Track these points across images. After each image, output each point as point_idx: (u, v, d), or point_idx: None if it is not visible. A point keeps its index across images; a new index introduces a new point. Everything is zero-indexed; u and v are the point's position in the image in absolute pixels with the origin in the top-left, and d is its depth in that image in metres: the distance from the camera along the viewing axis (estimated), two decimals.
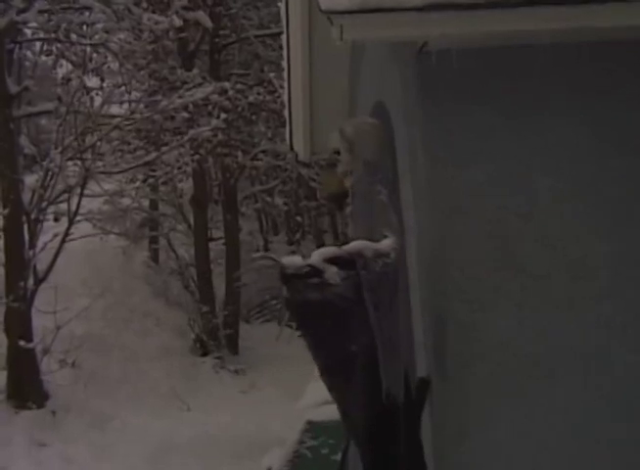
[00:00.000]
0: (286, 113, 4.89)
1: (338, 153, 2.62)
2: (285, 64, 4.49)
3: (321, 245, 14.20)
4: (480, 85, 2.76)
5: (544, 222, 2.73)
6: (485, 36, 2.58)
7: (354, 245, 2.29)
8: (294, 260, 2.28)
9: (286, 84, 4.57)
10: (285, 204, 14.36)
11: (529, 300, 2.67)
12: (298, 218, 14.98)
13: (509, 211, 2.73)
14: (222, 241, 13.12)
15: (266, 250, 15.89)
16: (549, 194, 2.72)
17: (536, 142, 2.73)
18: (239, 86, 11.01)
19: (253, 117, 11.34)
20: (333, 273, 2.21)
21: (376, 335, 2.18)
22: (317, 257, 2.24)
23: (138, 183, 11.78)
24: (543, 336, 2.66)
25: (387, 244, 2.38)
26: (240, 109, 10.82)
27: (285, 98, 4.83)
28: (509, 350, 2.63)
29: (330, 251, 2.28)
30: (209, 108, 10.44)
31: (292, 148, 5.03)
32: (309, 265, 2.20)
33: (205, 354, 11.62)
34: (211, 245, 12.74)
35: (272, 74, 11.15)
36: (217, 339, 11.77)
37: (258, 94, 11.08)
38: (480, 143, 2.76)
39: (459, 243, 2.70)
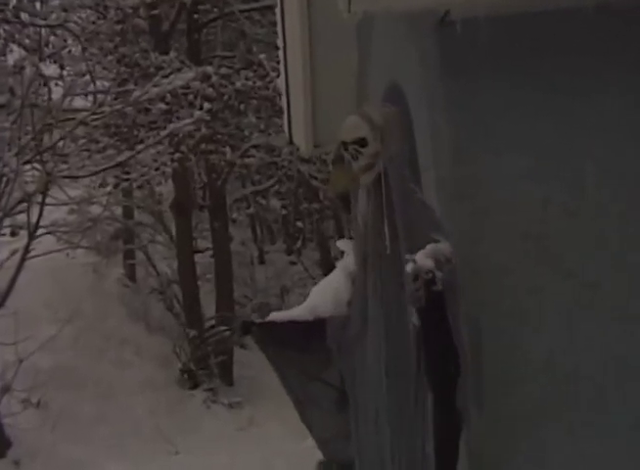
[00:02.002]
0: (282, 100, 4.90)
1: (345, 145, 2.60)
2: (280, 42, 4.50)
3: (326, 253, 14.16)
4: (514, 60, 2.77)
5: (595, 220, 2.73)
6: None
7: (433, 249, 2.34)
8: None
9: (282, 66, 4.59)
10: (283, 207, 14.37)
11: (579, 311, 2.67)
12: (299, 223, 14.98)
13: (553, 207, 2.73)
14: (210, 253, 13.09)
15: (262, 262, 15.90)
16: (601, 188, 2.71)
17: (586, 127, 2.73)
18: (223, 70, 11.02)
19: (242, 107, 11.33)
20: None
21: (459, 349, 2.31)
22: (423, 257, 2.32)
23: (109, 188, 11.75)
24: (595, 353, 2.65)
25: (448, 248, 2.44)
26: (226, 97, 10.83)
27: (281, 83, 4.84)
28: (555, 369, 2.62)
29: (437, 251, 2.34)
30: (190, 97, 10.44)
31: (291, 141, 5.04)
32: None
33: (194, 387, 11.60)
34: (198, 257, 12.72)
35: (262, 55, 11.15)
36: (208, 368, 11.74)
37: (247, 79, 11.09)
38: (517, 128, 2.77)
39: (493, 245, 2.71)
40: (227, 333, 3.23)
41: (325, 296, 2.70)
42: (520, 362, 2.56)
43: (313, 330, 2.67)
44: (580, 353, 2.64)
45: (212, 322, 11.94)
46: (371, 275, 2.61)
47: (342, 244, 2.80)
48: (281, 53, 4.55)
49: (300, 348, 2.71)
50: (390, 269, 2.55)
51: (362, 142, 2.62)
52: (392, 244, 2.51)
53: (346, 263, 2.74)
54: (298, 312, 2.70)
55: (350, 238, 2.85)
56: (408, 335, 2.46)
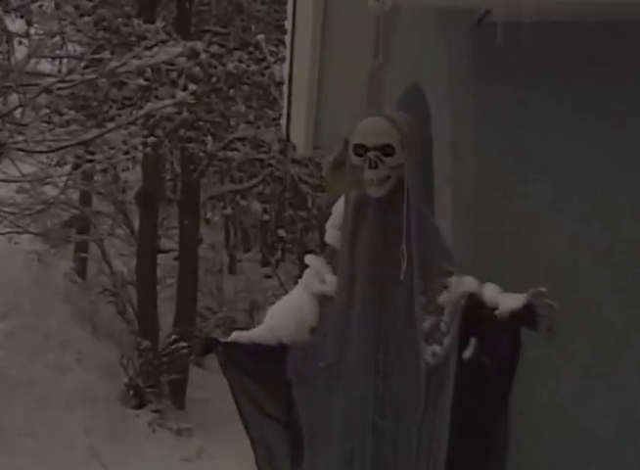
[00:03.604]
0: (284, 90, 4.91)
1: (363, 149, 2.61)
2: (289, 25, 4.51)
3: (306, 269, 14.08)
4: (559, 73, 2.81)
5: (628, 263, 2.76)
6: (575, 6, 2.61)
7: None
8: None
9: (288, 52, 4.59)
10: (264, 211, 14.34)
11: (602, 363, 2.71)
12: (280, 232, 14.96)
13: (583, 243, 2.76)
14: (175, 254, 13.05)
15: (232, 271, 15.88)
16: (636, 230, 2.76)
17: (634, 152, 2.77)
18: (215, 49, 11.01)
19: (231, 92, 11.33)
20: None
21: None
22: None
23: (68, 168, 11.71)
24: (619, 412, 2.69)
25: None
26: (214, 79, 10.82)
27: (284, 71, 4.85)
28: (571, 427, 2.66)
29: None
30: (174, 75, 10.43)
31: (287, 138, 5.04)
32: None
33: (139, 406, 11.51)
34: (160, 258, 12.67)
35: (260, 36, 11.16)
36: (158, 386, 11.67)
37: (240, 61, 11.08)
38: (553, 146, 2.81)
39: (511, 277, 2.74)
40: (186, 349, 3.19)
41: (287, 318, 2.68)
42: (529, 415, 2.58)
43: (272, 357, 2.66)
44: (597, 410, 2.67)
45: (169, 333, 11.88)
46: (359, 301, 2.60)
47: (312, 260, 2.78)
48: (288, 37, 4.56)
49: (258, 376, 2.70)
50: (400, 298, 2.55)
51: (387, 150, 2.62)
52: (407, 269, 2.52)
53: (311, 282, 2.73)
54: (259, 333, 2.69)
55: (321, 253, 2.83)
56: (418, 373, 2.47)
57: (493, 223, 2.81)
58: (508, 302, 2.42)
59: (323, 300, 2.69)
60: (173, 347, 2.80)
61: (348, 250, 2.64)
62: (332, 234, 2.77)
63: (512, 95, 2.86)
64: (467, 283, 2.53)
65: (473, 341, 2.43)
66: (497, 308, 2.42)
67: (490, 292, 2.47)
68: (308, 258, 2.79)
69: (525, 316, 2.39)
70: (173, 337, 2.96)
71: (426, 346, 2.49)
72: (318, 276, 2.71)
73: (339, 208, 2.79)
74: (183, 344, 2.80)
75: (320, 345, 2.63)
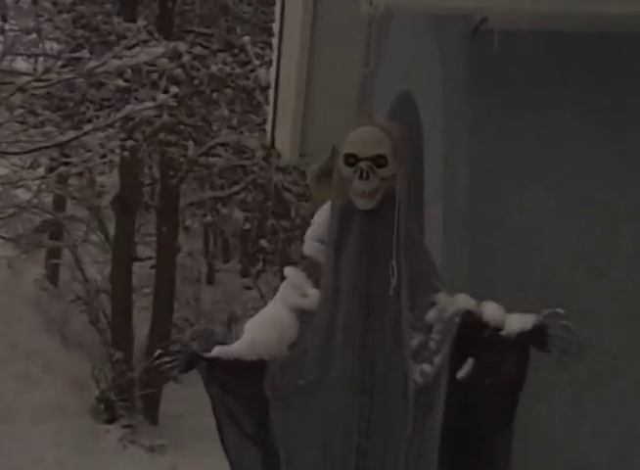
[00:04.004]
0: (270, 95, 4.91)
1: (354, 159, 2.60)
2: (276, 27, 4.52)
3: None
4: (556, 84, 2.82)
5: (625, 284, 2.77)
6: (573, 16, 2.63)
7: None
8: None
9: (275, 56, 4.60)
10: (245, 219, 14.33)
11: (597, 385, 2.71)
12: (261, 241, 14.94)
13: (581, 258, 2.78)
14: (151, 262, 13.00)
15: (210, 281, 15.83)
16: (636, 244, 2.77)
17: (634, 163, 2.79)
18: (198, 50, 11.02)
19: (214, 96, 11.32)
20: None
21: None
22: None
23: (42, 171, 11.65)
24: (614, 436, 2.70)
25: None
26: (197, 82, 10.82)
27: (271, 75, 4.85)
28: (565, 451, 2.66)
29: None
30: (155, 77, 10.42)
31: (272, 145, 5.03)
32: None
33: (110, 420, 11.45)
34: (136, 267, 12.61)
35: (246, 38, 11.16)
36: (130, 400, 11.61)
37: (224, 64, 11.09)
38: (550, 158, 2.83)
39: (506, 294, 2.74)
40: (171, 364, 3.15)
41: (267, 333, 2.66)
42: (527, 437, 2.58)
43: (252, 374, 2.64)
44: (590, 437, 2.68)
45: (149, 347, 11.83)
46: (344, 316, 2.59)
47: (291, 272, 2.76)
48: (275, 40, 4.57)
49: (238, 394, 2.68)
50: (387, 314, 2.54)
51: (380, 161, 2.61)
52: (396, 285, 2.51)
53: (290, 296, 2.72)
54: (239, 348, 2.67)
55: (302, 266, 2.80)
56: (406, 393, 2.46)
57: (487, 237, 2.82)
58: (516, 322, 2.42)
59: (302, 314, 2.67)
60: (158, 361, 2.79)
61: (333, 262, 2.62)
62: (311, 245, 2.75)
63: (508, 105, 2.87)
64: (461, 300, 2.52)
65: (470, 360, 2.43)
66: (501, 328, 2.42)
67: (492, 311, 2.47)
68: (287, 271, 2.77)
69: (536, 337, 2.40)
70: (158, 351, 2.94)
71: (414, 364, 2.48)
72: (297, 289, 2.69)
73: (319, 218, 2.78)
74: (167, 359, 2.80)
75: (300, 361, 2.62)
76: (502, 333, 2.42)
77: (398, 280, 2.51)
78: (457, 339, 2.43)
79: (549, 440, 2.80)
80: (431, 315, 2.54)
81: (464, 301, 2.52)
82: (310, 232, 2.77)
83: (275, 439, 2.62)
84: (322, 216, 2.74)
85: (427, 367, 2.48)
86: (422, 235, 3.33)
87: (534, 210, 2.85)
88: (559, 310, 2.39)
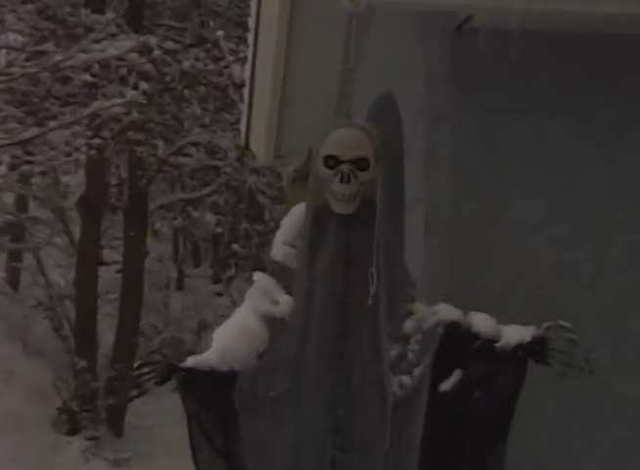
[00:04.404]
0: (244, 94, 4.90)
1: (334, 161, 2.59)
2: (252, 22, 4.51)
3: None
4: (543, 84, 2.83)
5: (614, 295, 2.79)
6: (561, 15, 2.64)
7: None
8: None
9: (250, 52, 4.59)
10: (217, 223, 14.30)
11: (585, 402, 2.73)
12: (234, 246, 14.92)
13: (570, 267, 2.79)
14: (118, 267, 12.95)
15: (180, 287, 15.79)
16: (628, 254, 2.78)
17: (626, 166, 2.81)
18: (169, 45, 10.99)
19: (186, 93, 11.30)
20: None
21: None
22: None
23: (4, 169, 11.57)
24: (603, 455, 2.71)
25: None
26: (168, 78, 10.78)
27: (246, 72, 4.84)
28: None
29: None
30: (124, 72, 10.38)
31: (247, 145, 5.02)
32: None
33: (73, 432, 11.40)
34: (101, 271, 12.57)
35: (219, 33, 11.17)
36: (94, 410, 11.56)
37: (197, 59, 11.07)
38: (537, 161, 2.83)
39: (491, 304, 2.75)
40: (148, 376, 3.12)
41: (238, 342, 2.64)
42: (514, 455, 2.59)
43: (224, 386, 2.62)
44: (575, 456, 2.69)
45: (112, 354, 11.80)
46: (318, 325, 2.58)
47: (261, 278, 2.74)
48: (251, 35, 4.56)
49: (210, 408, 2.66)
50: (364, 324, 2.54)
51: (362, 164, 2.60)
52: (375, 294, 2.51)
53: (259, 303, 2.70)
54: (211, 358, 2.64)
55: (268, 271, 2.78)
56: (383, 405, 2.46)
57: (470, 243, 2.83)
58: (514, 333, 2.43)
59: (272, 322, 2.66)
60: (138, 373, 2.76)
61: (307, 268, 2.61)
62: (281, 250, 2.73)
63: (493, 105, 2.88)
64: (443, 310, 2.52)
65: (457, 372, 2.43)
66: (495, 339, 2.43)
67: (482, 322, 2.47)
68: (257, 276, 2.74)
69: (536, 350, 2.41)
70: (139, 362, 2.91)
71: (392, 376, 2.48)
72: (267, 296, 2.68)
73: (289, 221, 2.76)
74: (146, 369, 2.77)
75: (270, 372, 2.60)
76: (498, 345, 2.43)
77: (377, 288, 2.50)
78: (440, 350, 2.43)
79: (535, 457, 2.81)
80: (408, 326, 2.54)
81: (446, 311, 2.52)
82: (280, 236, 2.74)
83: (244, 455, 2.60)
84: (292, 219, 2.72)
85: (406, 379, 2.48)
86: (402, 241, 3.34)
87: (520, 215, 2.86)
88: (562, 323, 2.40)
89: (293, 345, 2.57)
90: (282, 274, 2.67)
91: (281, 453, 2.56)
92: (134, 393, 2.84)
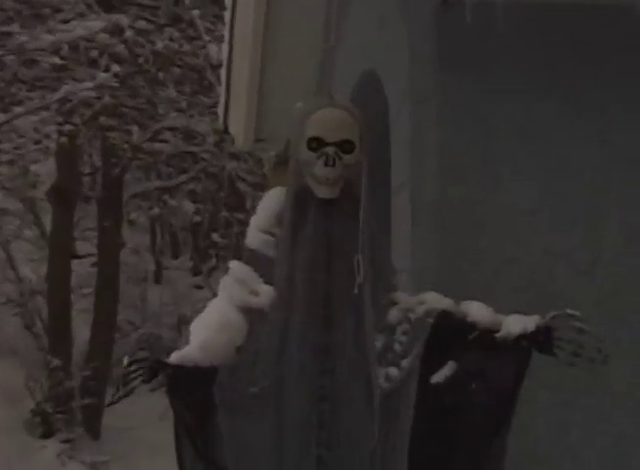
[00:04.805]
0: (221, 75, 4.89)
1: (319, 143, 2.59)
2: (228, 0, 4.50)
3: None
4: (534, 58, 2.83)
5: (611, 283, 2.81)
6: None
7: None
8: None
9: (227, 31, 4.58)
10: (196, 212, 14.30)
11: (582, 393, 2.74)
12: (214, 236, 14.92)
13: (563, 255, 2.80)
14: (93, 260, 12.93)
15: (158, 280, 15.77)
16: (624, 239, 2.80)
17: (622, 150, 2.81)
18: (142, 25, 10.95)
19: (161, 75, 11.27)
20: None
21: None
22: None
23: None
24: (602, 448, 2.73)
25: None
26: (141, 60, 10.76)
27: (223, 53, 4.83)
28: (549, 464, 2.69)
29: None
30: (94, 54, 10.35)
31: (225, 129, 5.01)
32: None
33: (47, 435, 11.40)
34: (75, 264, 12.56)
35: (195, 11, 11.14)
36: (69, 412, 11.57)
37: (171, 40, 11.04)
38: (529, 145, 2.84)
39: (484, 292, 2.76)
40: (135, 374, 3.09)
41: (218, 335, 2.64)
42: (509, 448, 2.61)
43: (206, 382, 2.61)
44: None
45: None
46: (300, 315, 2.59)
47: (238, 267, 2.72)
48: (227, 13, 4.55)
49: (194, 406, 2.65)
50: (349, 314, 2.54)
51: (347, 146, 2.60)
52: (364, 283, 2.51)
53: (237, 294, 2.68)
54: (191, 353, 2.64)
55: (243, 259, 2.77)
56: (370, 399, 2.47)
57: (460, 230, 2.83)
58: (516, 323, 2.44)
59: (250, 313, 2.65)
60: (128, 370, 2.73)
61: (287, 255, 2.61)
62: (257, 237, 2.70)
63: (481, 85, 2.88)
64: (432, 299, 2.53)
65: (451, 364, 2.44)
66: (494, 329, 2.44)
67: (479, 311, 2.48)
68: (233, 265, 2.73)
69: (540, 340, 2.42)
70: (128, 359, 2.87)
71: (379, 368, 2.48)
72: (245, 286, 2.66)
73: (265, 206, 2.74)
74: (134, 367, 2.74)
75: (250, 366, 2.60)
76: (499, 335, 2.44)
77: (364, 276, 2.50)
78: (430, 341, 2.43)
79: (531, 451, 2.82)
80: (393, 316, 2.54)
81: (435, 299, 2.52)
82: (255, 222, 2.72)
83: (221, 455, 2.60)
84: (268, 205, 2.71)
85: (393, 371, 2.48)
86: (388, 227, 3.35)
87: (511, 199, 2.87)
88: (570, 312, 2.41)
89: (273, 337, 2.57)
90: (258, 263, 2.66)
91: (263, 452, 2.55)
92: (120, 393, 2.78)
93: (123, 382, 2.54)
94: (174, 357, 2.57)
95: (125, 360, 2.57)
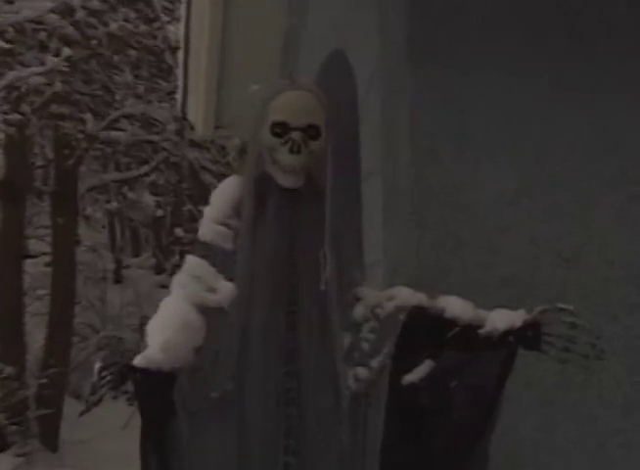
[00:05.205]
0: (178, 57, 4.87)
1: (283, 128, 2.58)
2: None
3: None
4: (512, 38, 2.84)
5: (598, 272, 2.82)
6: None
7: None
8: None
9: (184, 8, 4.57)
10: (157, 205, 14.27)
11: (567, 391, 2.76)
12: (177, 231, 14.91)
13: (546, 245, 2.81)
14: (47, 259, 12.89)
15: (118, 280, 15.74)
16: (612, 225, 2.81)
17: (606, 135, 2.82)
18: (95, 4, 10.92)
19: (116, 59, 11.25)
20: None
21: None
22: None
23: None
24: (588, 447, 2.75)
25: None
26: (94, 42, 10.73)
27: (178, 33, 4.82)
28: (532, 463, 2.71)
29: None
30: (43, 36, 10.30)
31: (183, 116, 5.01)
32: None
33: (1, 449, 11.38)
34: (27, 265, 12.53)
35: None
36: (25, 423, 11.54)
37: (126, 21, 11.02)
38: (509, 129, 2.84)
39: (465, 287, 2.78)
40: (105, 381, 3.06)
41: (177, 336, 2.62)
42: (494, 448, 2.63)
43: (168, 387, 2.60)
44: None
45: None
46: (262, 314, 2.58)
47: (194, 262, 2.70)
48: None
49: (159, 414, 2.65)
50: (314, 311, 2.54)
51: (312, 132, 2.60)
52: (330, 278, 2.51)
53: (194, 291, 2.67)
54: (152, 355, 2.62)
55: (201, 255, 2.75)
56: (338, 401, 2.47)
57: (437, 220, 2.84)
58: (501, 318, 2.46)
59: (208, 312, 2.64)
60: (101, 376, 2.69)
61: (248, 249, 2.60)
62: (211, 229, 2.68)
63: (457, 66, 2.88)
64: (402, 294, 2.53)
65: (428, 362, 2.45)
66: (476, 325, 2.45)
67: (456, 305, 2.49)
68: (189, 260, 2.70)
69: (528, 336, 2.43)
70: (99, 365, 2.84)
71: (346, 369, 2.49)
72: (201, 282, 2.65)
73: (219, 196, 2.73)
74: (105, 373, 2.69)
75: (210, 369, 2.59)
76: (482, 331, 2.45)
77: (330, 272, 2.50)
78: (402, 339, 2.44)
79: (514, 451, 2.84)
80: (358, 312, 2.55)
81: (406, 294, 2.53)
82: (209, 213, 2.70)
83: (187, 467, 2.59)
84: (223, 195, 2.69)
85: (362, 371, 2.49)
86: (359, 218, 3.35)
87: (492, 188, 2.87)
88: (561, 306, 2.43)
89: (234, 337, 2.56)
90: (215, 257, 2.65)
91: (227, 461, 2.55)
92: (90, 401, 2.74)
93: (92, 390, 2.51)
94: (138, 361, 2.55)
95: (96, 366, 2.54)
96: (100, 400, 2.51)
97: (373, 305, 2.54)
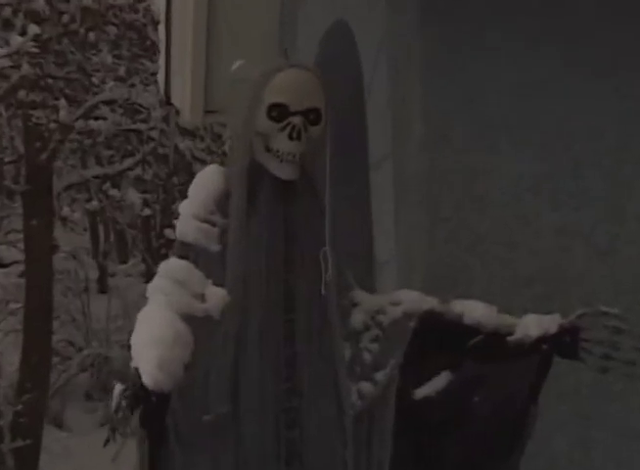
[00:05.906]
0: (160, 33, 4.90)
1: (282, 111, 2.61)
2: None
3: None
4: (535, 6, 2.86)
5: (632, 264, 2.86)
6: None
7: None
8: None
9: None
10: (145, 203, 14.29)
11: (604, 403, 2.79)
12: (167, 232, 14.91)
13: (574, 235, 2.84)
14: (20, 268, 12.93)
15: (102, 290, 15.75)
16: None
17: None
18: None
19: (92, 37, 11.27)
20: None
21: None
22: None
23: None
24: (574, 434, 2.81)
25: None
26: (66, 18, 10.76)
27: (161, 5, 4.85)
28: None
29: None
30: (7, 13, 10.35)
31: (168, 101, 5.03)
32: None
33: None
34: None
35: None
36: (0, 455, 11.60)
37: None
38: (531, 108, 2.87)
39: (476, 280, 2.79)
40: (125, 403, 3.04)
41: (170, 351, 2.59)
42: None
43: (164, 409, 2.60)
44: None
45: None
46: (256, 324, 2.59)
47: (176, 265, 2.65)
48: None
49: (155, 439, 2.66)
50: (313, 320, 2.56)
51: (313, 116, 2.62)
52: (331, 281, 2.53)
53: (178, 298, 2.62)
54: (152, 374, 2.61)
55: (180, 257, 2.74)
56: (340, 420, 2.50)
57: (453, 210, 2.86)
58: (534, 324, 2.48)
59: (195, 322, 2.60)
60: (122, 400, 2.67)
61: (240, 249, 2.60)
62: (192, 227, 2.64)
63: (473, 38, 2.91)
64: (410, 298, 2.55)
65: (446, 374, 2.48)
66: (503, 332, 2.47)
67: (479, 311, 2.50)
68: (170, 262, 2.65)
69: (565, 343, 2.48)
70: (120, 387, 2.80)
71: (350, 384, 2.51)
72: (185, 288, 2.61)
73: (200, 189, 2.69)
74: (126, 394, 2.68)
75: (201, 389, 2.60)
76: (512, 338, 2.47)
77: (333, 274, 2.52)
78: (412, 348, 2.47)
79: (550, 465, 2.87)
80: (356, 319, 2.57)
81: (414, 298, 2.54)
82: (187, 209, 2.66)
83: None
84: (203, 188, 2.68)
85: (366, 386, 2.50)
86: (369, 210, 3.39)
87: (512, 175, 2.89)
88: (605, 309, 2.45)
89: (227, 351, 2.57)
90: (198, 259, 2.63)
91: None
92: (116, 427, 2.67)
93: (116, 415, 2.45)
94: (147, 379, 2.49)
95: (117, 388, 2.50)
96: (126, 426, 2.46)
97: (374, 311, 2.56)
